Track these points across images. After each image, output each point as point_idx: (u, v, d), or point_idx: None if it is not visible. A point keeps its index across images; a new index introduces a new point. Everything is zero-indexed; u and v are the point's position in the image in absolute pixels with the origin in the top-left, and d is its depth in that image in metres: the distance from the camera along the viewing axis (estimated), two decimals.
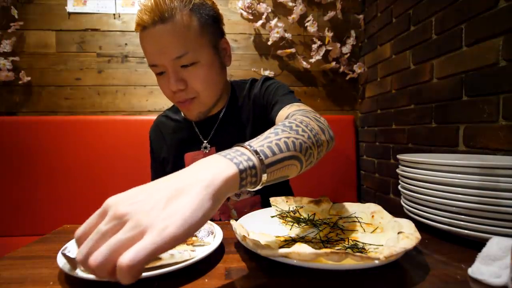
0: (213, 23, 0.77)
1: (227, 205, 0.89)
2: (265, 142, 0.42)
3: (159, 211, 0.30)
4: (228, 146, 0.43)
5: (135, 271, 0.27)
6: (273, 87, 0.85)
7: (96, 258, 0.28)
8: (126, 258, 0.27)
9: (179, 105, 0.81)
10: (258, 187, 0.41)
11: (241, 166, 0.37)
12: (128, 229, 0.29)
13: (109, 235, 0.29)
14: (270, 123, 0.77)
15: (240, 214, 0.88)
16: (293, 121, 0.50)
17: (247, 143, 0.42)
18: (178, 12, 0.69)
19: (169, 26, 0.68)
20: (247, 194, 0.89)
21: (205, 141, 0.88)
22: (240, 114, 0.89)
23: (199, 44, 0.73)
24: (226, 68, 0.85)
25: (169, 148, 0.92)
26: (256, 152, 0.40)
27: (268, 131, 0.47)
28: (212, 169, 0.34)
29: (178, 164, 0.90)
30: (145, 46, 0.73)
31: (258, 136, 0.45)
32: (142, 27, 0.70)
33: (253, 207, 0.89)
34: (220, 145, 0.87)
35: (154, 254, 0.27)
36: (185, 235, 0.29)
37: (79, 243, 0.31)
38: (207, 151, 0.87)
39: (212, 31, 0.77)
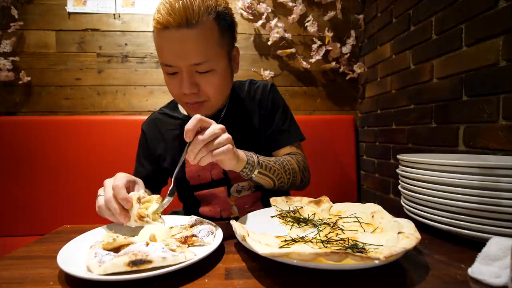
0: (230, 31, 0.78)
1: (228, 202, 0.89)
2: (266, 161, 0.75)
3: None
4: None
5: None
6: (282, 105, 0.95)
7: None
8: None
9: (187, 106, 0.81)
10: (248, 177, 0.71)
11: (248, 161, 0.69)
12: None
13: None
14: (269, 133, 0.93)
15: (241, 210, 0.89)
16: (287, 163, 0.81)
17: (258, 155, 0.74)
18: (204, 20, 0.69)
19: (194, 32, 0.68)
20: (247, 191, 0.89)
21: None
22: (242, 113, 0.91)
23: (218, 54, 0.74)
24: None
25: (167, 145, 0.92)
26: (259, 162, 0.72)
27: (274, 158, 0.79)
28: (238, 154, 0.65)
29: (176, 160, 0.89)
30: (163, 46, 0.71)
31: (267, 157, 0.77)
32: (163, 26, 0.68)
33: (254, 204, 0.90)
34: None
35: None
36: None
37: None
38: None
39: (229, 40, 0.78)
